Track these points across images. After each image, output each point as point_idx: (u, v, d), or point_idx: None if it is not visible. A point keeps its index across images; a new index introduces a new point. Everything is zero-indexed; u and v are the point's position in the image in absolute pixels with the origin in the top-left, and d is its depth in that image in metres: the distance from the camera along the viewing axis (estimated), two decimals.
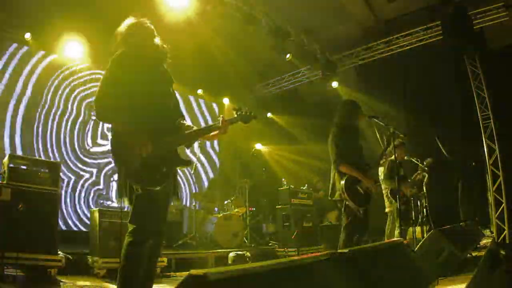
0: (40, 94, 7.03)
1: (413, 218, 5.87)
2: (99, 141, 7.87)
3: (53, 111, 7.20)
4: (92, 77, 7.69)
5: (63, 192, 6.87)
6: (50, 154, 7.03)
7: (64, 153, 7.24)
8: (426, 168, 5.81)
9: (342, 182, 3.80)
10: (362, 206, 3.80)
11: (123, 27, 2.57)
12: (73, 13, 6.20)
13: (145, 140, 2.27)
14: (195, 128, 2.57)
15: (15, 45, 6.82)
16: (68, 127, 7.37)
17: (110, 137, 2.39)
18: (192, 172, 8.58)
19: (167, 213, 2.55)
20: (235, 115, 2.74)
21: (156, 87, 2.50)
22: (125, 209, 4.28)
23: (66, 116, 7.37)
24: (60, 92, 7.29)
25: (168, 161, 2.39)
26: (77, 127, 7.50)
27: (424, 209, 5.93)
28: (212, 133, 2.63)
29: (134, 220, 2.33)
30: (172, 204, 2.64)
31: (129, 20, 2.60)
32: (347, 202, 3.79)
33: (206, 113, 10.35)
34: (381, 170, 6.04)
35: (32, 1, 6.21)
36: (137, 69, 2.43)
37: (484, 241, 6.00)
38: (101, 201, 7.50)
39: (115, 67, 2.39)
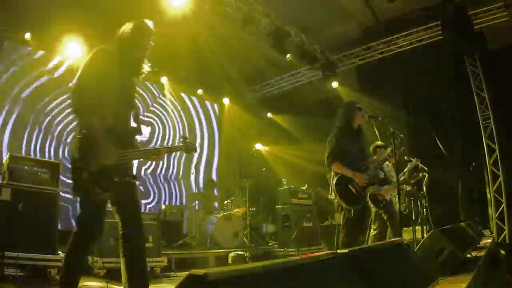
0: (40, 94, 7.03)
1: (413, 218, 5.87)
2: None
3: (54, 111, 7.21)
4: None
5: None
6: (50, 154, 7.03)
7: (67, 152, 7.25)
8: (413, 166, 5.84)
9: (334, 181, 3.83)
10: (353, 205, 3.79)
11: (125, 25, 2.63)
12: (73, 12, 6.20)
13: (113, 149, 2.34)
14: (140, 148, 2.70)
15: (14, 44, 6.83)
16: (69, 127, 7.38)
17: (78, 135, 2.40)
18: (192, 172, 8.60)
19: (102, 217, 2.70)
20: (181, 144, 2.88)
21: (121, 95, 2.55)
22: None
23: (69, 117, 7.38)
24: (60, 92, 7.29)
25: (119, 172, 2.46)
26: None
27: (424, 209, 5.93)
28: (150, 156, 2.76)
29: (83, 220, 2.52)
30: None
31: (134, 21, 2.65)
32: (338, 202, 3.82)
33: (206, 114, 10.37)
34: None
35: (32, 1, 6.21)
36: (110, 72, 2.47)
37: (484, 241, 5.99)
38: None
39: (92, 63, 2.44)
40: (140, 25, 2.63)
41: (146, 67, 2.68)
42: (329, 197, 4.04)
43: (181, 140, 2.90)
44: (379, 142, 5.25)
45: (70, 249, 2.47)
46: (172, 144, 9.38)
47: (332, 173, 3.96)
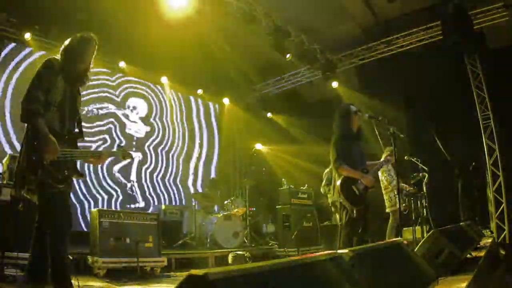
0: None
1: (413, 218, 5.87)
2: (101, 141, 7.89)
3: None
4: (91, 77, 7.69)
5: None
6: None
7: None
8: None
9: (338, 182, 3.87)
10: (356, 206, 3.84)
11: (70, 38, 2.92)
12: (73, 12, 6.21)
13: (55, 145, 2.58)
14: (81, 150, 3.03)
15: (14, 44, 6.84)
16: None
17: (23, 141, 2.68)
18: (191, 172, 8.60)
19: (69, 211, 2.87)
20: (116, 150, 3.28)
21: (67, 102, 2.82)
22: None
23: None
24: None
25: (69, 168, 2.77)
26: None
27: (424, 209, 5.93)
28: (89, 159, 3.09)
29: (43, 214, 2.69)
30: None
31: (78, 34, 2.92)
32: (342, 202, 3.86)
33: (206, 114, 10.37)
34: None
35: (32, 1, 6.22)
36: (58, 81, 2.74)
37: (484, 241, 5.99)
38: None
39: (41, 73, 2.70)
40: (84, 36, 2.89)
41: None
42: (332, 198, 4.06)
43: (117, 148, 3.21)
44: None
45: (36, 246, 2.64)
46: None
47: (335, 175, 3.99)
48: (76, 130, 2.94)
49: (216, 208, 8.23)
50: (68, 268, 2.70)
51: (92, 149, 7.46)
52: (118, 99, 8.39)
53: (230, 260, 5.75)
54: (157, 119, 9.13)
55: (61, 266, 2.61)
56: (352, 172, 3.90)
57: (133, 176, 8.39)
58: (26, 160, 2.59)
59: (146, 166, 8.69)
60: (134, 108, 8.70)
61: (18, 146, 6.63)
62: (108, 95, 8.22)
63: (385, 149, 6.01)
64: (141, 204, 8.32)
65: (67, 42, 2.90)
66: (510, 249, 6.07)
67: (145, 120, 8.87)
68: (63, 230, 2.69)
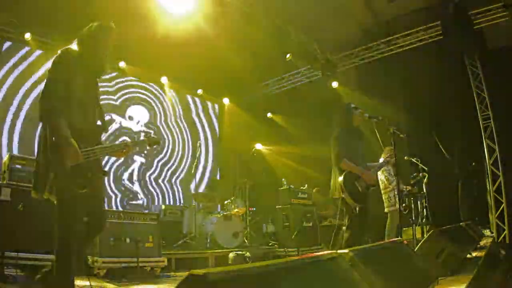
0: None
1: (413, 218, 5.87)
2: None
3: None
4: None
5: None
6: None
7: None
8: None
9: (341, 178, 3.84)
10: (359, 203, 3.82)
11: (87, 27, 2.73)
12: (74, 12, 6.20)
13: (77, 149, 2.40)
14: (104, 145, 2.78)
15: (14, 44, 6.84)
16: None
17: (40, 140, 2.48)
18: (192, 172, 8.60)
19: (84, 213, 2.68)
20: (144, 138, 3.03)
21: (87, 94, 2.65)
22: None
23: None
24: None
25: (92, 169, 2.56)
26: None
27: (424, 209, 5.93)
28: (116, 153, 2.89)
29: (63, 219, 2.47)
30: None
31: (95, 23, 2.74)
32: (345, 199, 3.83)
33: (206, 114, 10.37)
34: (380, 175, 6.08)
35: (32, 1, 6.21)
36: (76, 73, 2.56)
37: (484, 241, 5.99)
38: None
39: (58, 66, 2.52)
40: (102, 25, 2.73)
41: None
42: (333, 197, 4.03)
43: (144, 135, 3.05)
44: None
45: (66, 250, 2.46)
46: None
47: (336, 172, 3.96)
48: (99, 123, 2.75)
49: (216, 208, 8.22)
50: (71, 269, 2.54)
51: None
52: (118, 104, 8.40)
53: (230, 260, 5.74)
54: (160, 121, 9.14)
55: (65, 266, 2.50)
56: (353, 167, 3.89)
57: (135, 176, 8.41)
58: (46, 160, 2.42)
59: (145, 165, 8.69)
60: (131, 118, 8.67)
61: (17, 146, 6.64)
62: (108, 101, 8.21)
63: (385, 149, 6.00)
64: (140, 201, 8.35)
65: (84, 31, 2.72)
66: (510, 249, 6.07)
67: (147, 125, 8.89)
68: (74, 233, 2.50)
